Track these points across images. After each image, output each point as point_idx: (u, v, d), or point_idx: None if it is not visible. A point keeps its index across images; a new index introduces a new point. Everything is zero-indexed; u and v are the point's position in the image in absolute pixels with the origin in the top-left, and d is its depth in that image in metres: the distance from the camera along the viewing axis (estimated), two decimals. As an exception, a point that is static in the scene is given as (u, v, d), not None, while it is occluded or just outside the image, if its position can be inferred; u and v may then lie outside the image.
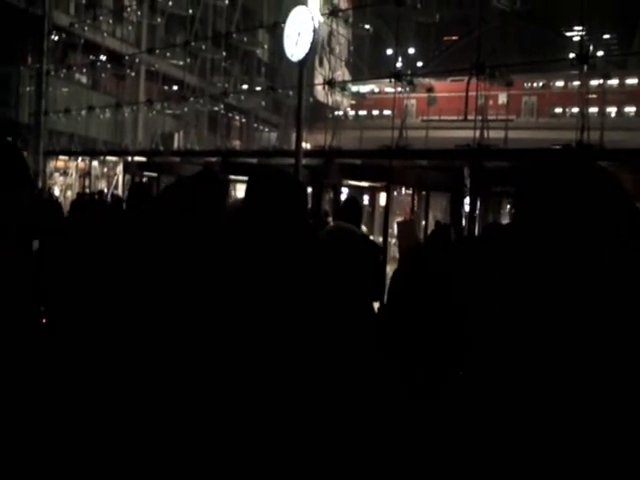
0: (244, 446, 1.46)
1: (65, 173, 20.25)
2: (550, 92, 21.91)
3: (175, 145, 18.82)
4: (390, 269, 5.12)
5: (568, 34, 22.05)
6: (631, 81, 20.76)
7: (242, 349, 1.51)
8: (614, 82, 18.11)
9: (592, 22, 12.45)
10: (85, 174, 19.32)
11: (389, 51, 20.00)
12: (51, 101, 19.91)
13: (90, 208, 8.83)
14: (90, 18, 19.92)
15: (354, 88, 22.36)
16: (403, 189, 12.41)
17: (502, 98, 18.04)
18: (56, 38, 20.04)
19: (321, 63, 18.60)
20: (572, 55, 12.27)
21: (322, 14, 16.20)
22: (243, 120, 24.59)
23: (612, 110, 18.78)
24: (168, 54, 20.53)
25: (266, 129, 25.42)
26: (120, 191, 16.80)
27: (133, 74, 20.10)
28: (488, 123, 11.25)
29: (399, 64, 15.23)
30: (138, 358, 1.60)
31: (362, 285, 4.14)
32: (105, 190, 16.36)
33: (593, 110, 11.95)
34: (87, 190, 17.19)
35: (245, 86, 22.02)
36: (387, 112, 17.93)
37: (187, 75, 18.30)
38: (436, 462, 1.16)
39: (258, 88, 21.31)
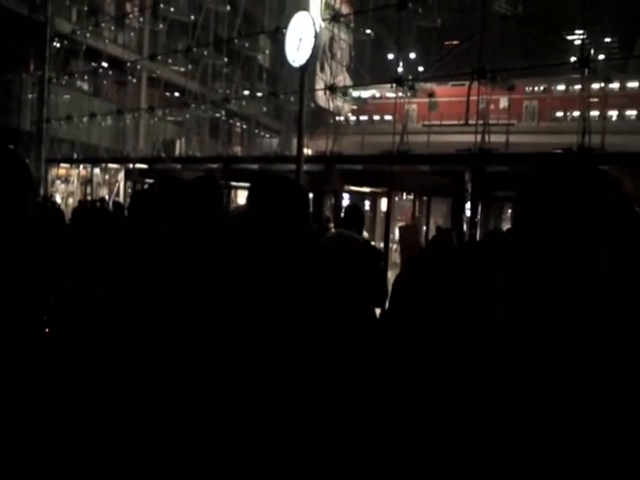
0: (243, 447, 1.46)
1: (67, 180, 20.29)
2: (551, 96, 21.91)
3: (177, 152, 18.84)
4: (392, 274, 5.11)
5: (569, 38, 22.04)
6: (632, 84, 20.75)
7: (243, 352, 1.52)
8: (615, 86, 18.10)
9: (593, 26, 12.44)
10: (87, 181, 19.35)
11: (390, 56, 20.02)
12: (53, 108, 19.98)
13: (92, 215, 8.85)
14: (92, 25, 20.00)
15: (355, 93, 22.37)
16: (404, 194, 12.40)
17: (503, 102, 18.05)
18: (58, 45, 20.12)
19: (322, 68, 18.63)
20: (573, 59, 12.29)
21: (323, 19, 16.25)
22: (244, 126, 24.63)
23: (613, 114, 18.76)
24: (170, 60, 20.59)
25: (267, 135, 25.45)
26: (122, 198, 16.81)
27: (135, 81, 20.17)
28: (489, 127, 11.23)
29: (400, 69, 15.22)
30: (142, 361, 1.61)
31: (363, 291, 4.13)
32: (107, 197, 16.36)
33: (594, 114, 11.93)
34: (89, 197, 17.19)
35: (246, 92, 22.05)
36: (388, 117, 17.95)
37: (189, 81, 18.34)
38: (435, 461, 1.16)
39: (259, 94, 21.35)
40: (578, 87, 12.48)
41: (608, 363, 1.02)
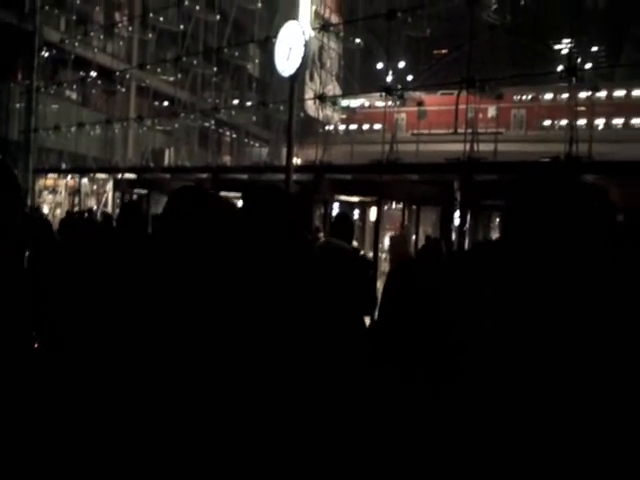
0: (239, 449, 1.47)
1: (54, 191, 20.15)
2: (539, 105, 22.07)
3: (166, 161, 18.79)
4: (381, 284, 5.09)
5: (557, 47, 22.28)
6: (619, 93, 20.95)
7: (233, 362, 1.52)
8: (602, 94, 18.27)
9: (580, 35, 12.58)
10: (74, 192, 19.23)
11: (379, 65, 20.13)
12: (41, 118, 19.88)
13: (80, 226, 8.79)
14: (81, 34, 19.95)
15: (344, 102, 22.46)
16: (394, 203, 12.42)
17: (492, 111, 18.18)
18: (46, 54, 20.05)
19: (312, 78, 18.68)
20: (561, 68, 12.39)
21: (313, 29, 16.32)
22: (234, 136, 24.62)
23: (600, 122, 18.91)
24: (159, 70, 20.57)
25: (257, 145, 25.46)
26: (110, 208, 16.71)
27: (124, 90, 20.11)
28: (478, 136, 11.28)
29: (389, 78, 15.30)
30: (135, 366, 1.62)
31: (353, 299, 4.11)
32: (95, 208, 16.26)
33: (582, 122, 12.02)
34: (77, 208, 17.07)
35: (236, 101, 22.07)
36: (377, 126, 18.00)
37: (178, 91, 18.32)
38: (428, 464, 1.18)
39: (249, 103, 21.37)
40: (566, 96, 12.57)
41: (597, 368, 1.04)
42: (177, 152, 18.96)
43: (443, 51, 24.57)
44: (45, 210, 17.79)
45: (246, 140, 24.32)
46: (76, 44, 19.64)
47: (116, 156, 19.11)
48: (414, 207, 11.26)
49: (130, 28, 21.28)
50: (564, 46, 19.63)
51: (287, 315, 1.59)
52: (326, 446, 1.48)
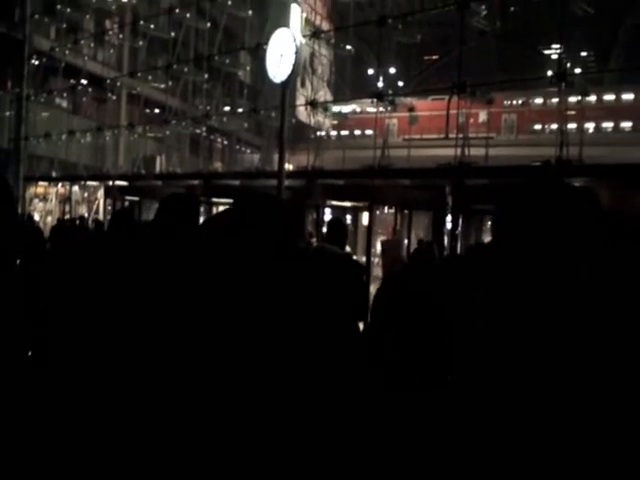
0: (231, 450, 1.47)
1: (45, 199, 20.07)
2: (529, 109, 22.20)
3: (157, 168, 18.75)
4: (374, 288, 5.09)
5: (546, 52, 22.43)
6: (608, 97, 21.10)
7: (225, 369, 1.52)
8: (592, 98, 18.39)
9: (569, 40, 12.66)
10: (65, 199, 19.14)
11: (370, 71, 20.20)
12: (31, 126, 19.81)
13: (71, 234, 8.75)
14: (71, 42, 19.91)
15: (336, 108, 22.50)
16: (386, 208, 12.43)
17: (482, 116, 18.26)
18: (36, 62, 20.00)
19: (303, 84, 18.71)
20: (550, 73, 12.47)
21: (304, 35, 16.36)
22: (225, 142, 24.61)
23: (590, 126, 19.04)
24: (150, 77, 20.55)
25: (248, 151, 25.45)
26: (101, 216, 16.64)
27: (114, 97, 20.08)
28: (469, 141, 11.34)
29: (380, 84, 15.35)
30: (127, 375, 1.64)
31: (346, 305, 4.10)
32: (86, 215, 16.18)
33: (572, 126, 12.10)
34: (67, 216, 16.99)
35: (227, 108, 22.07)
36: (369, 132, 18.03)
37: (169, 98, 18.31)
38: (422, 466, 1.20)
39: (240, 110, 21.37)
40: (556, 100, 12.65)
41: (590, 368, 1.05)
42: (168, 159, 18.92)
43: (434, 57, 24.68)
44: (36, 218, 17.70)
45: (237, 146, 24.30)
46: (66, 52, 19.61)
47: (107, 163, 19.05)
48: (406, 212, 11.27)
49: (121, 36, 21.27)
50: (553, 51, 19.77)
51: (279, 321, 1.59)
52: (318, 448, 1.48)
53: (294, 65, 9.18)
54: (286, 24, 17.86)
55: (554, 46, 19.73)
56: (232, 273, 1.64)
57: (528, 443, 1.05)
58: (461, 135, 11.60)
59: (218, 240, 1.75)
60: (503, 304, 1.14)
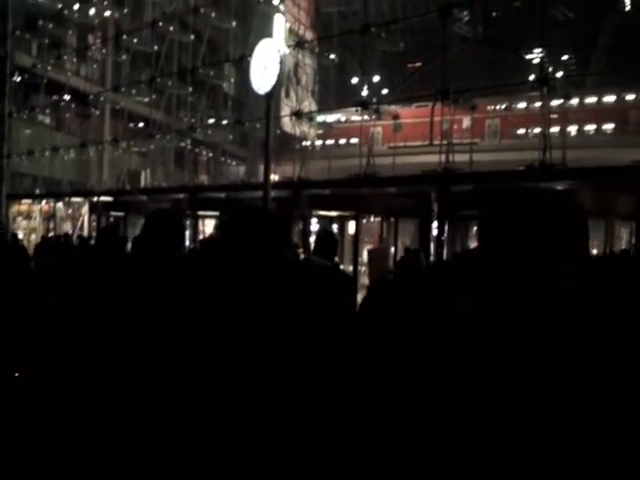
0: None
1: (29, 217, 19.92)
2: (513, 114, 22.33)
3: (142, 183, 18.67)
4: (361, 297, 5.07)
5: (528, 57, 22.60)
6: (590, 100, 21.28)
7: (217, 385, 1.55)
8: (574, 102, 18.54)
9: (551, 44, 12.79)
10: (49, 217, 19.01)
11: (354, 80, 20.25)
12: (14, 143, 19.68)
13: (55, 250, 8.67)
14: (53, 58, 19.84)
15: (321, 118, 22.53)
16: (372, 217, 12.43)
17: (466, 122, 18.33)
18: (18, 79, 19.89)
19: (287, 94, 18.74)
20: (533, 77, 12.56)
21: (288, 46, 16.39)
22: (210, 155, 24.57)
23: (573, 129, 19.18)
24: (133, 91, 20.49)
25: (234, 163, 25.42)
26: (86, 232, 16.51)
27: (98, 112, 20.00)
28: (453, 147, 11.37)
29: (365, 92, 15.39)
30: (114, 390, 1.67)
31: (333, 318, 4.06)
32: (71, 232, 16.04)
33: (555, 130, 12.17)
34: (52, 233, 16.85)
35: (212, 120, 22.05)
36: (354, 140, 18.05)
37: (153, 111, 18.26)
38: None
39: (225, 122, 21.36)
40: (538, 104, 12.72)
41: (574, 371, 1.07)
42: (153, 173, 18.86)
43: (417, 64, 24.81)
44: (20, 236, 17.54)
45: (223, 159, 24.28)
46: (49, 68, 19.54)
47: (91, 179, 18.95)
48: (392, 220, 11.27)
49: (103, 50, 21.23)
50: (535, 56, 19.92)
51: (266, 331, 1.61)
52: (303, 449, 1.53)
53: (278, 76, 9.18)
54: (270, 35, 17.90)
55: (536, 50, 19.90)
56: (219, 286, 1.68)
57: (514, 448, 1.07)
58: (445, 141, 11.64)
59: (205, 253, 1.77)
60: (489, 309, 1.16)
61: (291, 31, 21.17)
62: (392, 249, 10.82)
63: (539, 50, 15.58)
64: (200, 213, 13.81)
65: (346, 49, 20.45)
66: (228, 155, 24.55)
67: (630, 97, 20.99)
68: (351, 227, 11.63)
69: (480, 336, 1.16)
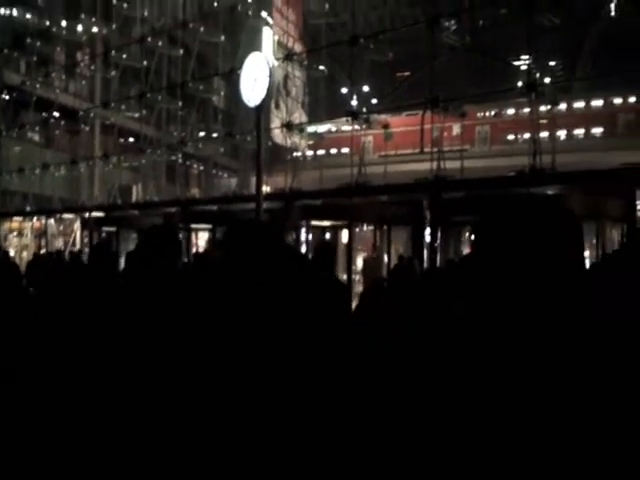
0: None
1: (20, 234, 19.81)
2: (502, 120, 22.47)
3: (133, 198, 18.62)
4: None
5: (516, 63, 22.77)
6: (578, 104, 21.44)
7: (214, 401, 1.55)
8: (562, 107, 18.67)
9: (538, 50, 12.89)
10: (41, 234, 18.91)
11: (344, 90, 20.33)
12: (4, 161, 19.63)
13: (47, 267, 8.62)
14: (42, 75, 19.83)
15: (311, 128, 22.58)
16: (365, 225, 12.43)
17: (456, 129, 18.41)
18: (7, 97, 19.86)
19: (278, 106, 18.78)
20: (521, 84, 12.64)
21: (277, 58, 16.44)
22: (201, 168, 24.58)
23: (562, 134, 19.30)
24: (123, 107, 20.49)
25: (225, 175, 25.43)
26: (77, 247, 16.42)
27: (88, 129, 19.99)
28: (444, 154, 11.41)
29: (354, 102, 15.45)
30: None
31: (329, 326, 4.04)
32: (62, 248, 15.94)
33: (544, 135, 12.24)
34: (44, 250, 16.75)
35: (202, 133, 22.07)
36: (345, 150, 18.10)
37: (143, 126, 18.25)
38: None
39: (215, 135, 21.39)
40: (527, 110, 12.81)
41: (567, 375, 1.07)
42: (145, 188, 18.82)
43: (406, 73, 24.93)
44: (11, 253, 17.42)
45: (214, 171, 24.29)
46: (37, 86, 19.52)
47: (83, 195, 18.90)
48: (385, 228, 11.27)
49: (92, 67, 21.24)
50: (523, 62, 20.07)
51: (264, 343, 1.63)
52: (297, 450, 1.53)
53: (268, 89, 9.20)
54: (259, 48, 17.93)
55: (523, 57, 20.05)
56: (217, 298, 1.70)
57: (507, 452, 1.07)
58: (436, 149, 11.68)
59: (200, 268, 1.80)
60: (482, 314, 1.16)
61: (280, 44, 21.25)
62: (385, 256, 10.81)
63: (526, 57, 15.69)
64: (193, 226, 13.77)
65: (335, 60, 20.56)
66: (219, 168, 24.56)
67: (618, 100, 21.16)
68: (344, 236, 11.63)
69: (473, 342, 1.16)
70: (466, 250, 10.02)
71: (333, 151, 22.79)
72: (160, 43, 19.17)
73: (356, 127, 13.88)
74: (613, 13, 23.99)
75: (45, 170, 18.49)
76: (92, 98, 21.54)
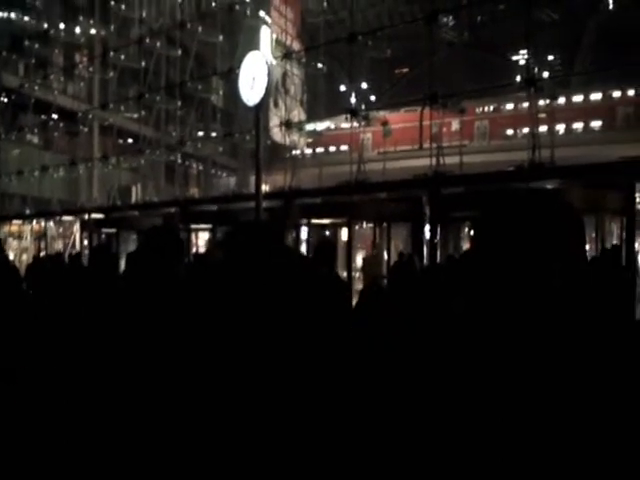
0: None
1: (20, 237, 19.81)
2: (501, 115, 22.45)
3: (133, 199, 18.62)
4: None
5: (514, 58, 22.76)
6: (577, 98, 21.41)
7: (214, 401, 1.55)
8: (561, 101, 18.63)
9: (536, 45, 12.87)
10: (41, 236, 18.91)
11: (343, 88, 20.34)
12: (2, 164, 19.64)
13: (47, 270, 8.62)
14: (40, 77, 19.82)
15: (310, 126, 22.58)
16: (364, 223, 12.43)
17: (455, 125, 18.39)
18: (5, 100, 19.86)
19: (276, 104, 18.78)
20: (519, 78, 12.63)
21: (275, 57, 16.45)
22: (200, 167, 24.58)
23: (561, 128, 19.28)
24: (122, 107, 20.50)
25: (224, 174, 25.43)
26: (78, 249, 16.42)
27: (86, 130, 19.98)
28: (443, 150, 11.40)
29: (353, 100, 15.43)
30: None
31: (329, 323, 4.04)
32: (62, 250, 15.93)
33: (543, 129, 12.21)
34: (43, 252, 16.74)
35: (201, 133, 22.06)
36: (344, 147, 18.09)
37: (142, 127, 18.24)
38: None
39: (214, 134, 21.38)
40: (526, 105, 12.78)
41: (568, 373, 1.07)
42: (144, 188, 18.83)
43: (404, 70, 24.94)
44: (11, 256, 17.41)
45: (213, 171, 24.30)
46: (36, 88, 19.51)
47: (82, 197, 18.89)
48: (385, 225, 11.25)
49: (91, 68, 21.23)
50: (521, 57, 20.06)
51: (265, 340, 1.63)
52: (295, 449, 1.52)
53: (267, 88, 9.19)
54: (257, 47, 17.95)
55: (522, 52, 20.06)
56: (221, 298, 1.70)
57: (507, 451, 1.06)
58: (435, 145, 11.67)
59: (201, 268, 1.80)
60: (482, 311, 1.16)
61: (278, 42, 21.26)
62: (385, 253, 10.80)
63: (525, 51, 15.67)
64: (192, 226, 13.76)
65: (333, 58, 20.54)
66: (218, 167, 24.57)
67: (616, 94, 21.12)
68: (344, 234, 11.61)
69: (473, 338, 1.16)
70: (466, 246, 10.01)
71: (332, 149, 22.79)
72: (158, 44, 19.17)
73: (355, 124, 13.86)
74: (611, 6, 23.96)
75: (44, 172, 18.49)
76: (91, 99, 21.55)
